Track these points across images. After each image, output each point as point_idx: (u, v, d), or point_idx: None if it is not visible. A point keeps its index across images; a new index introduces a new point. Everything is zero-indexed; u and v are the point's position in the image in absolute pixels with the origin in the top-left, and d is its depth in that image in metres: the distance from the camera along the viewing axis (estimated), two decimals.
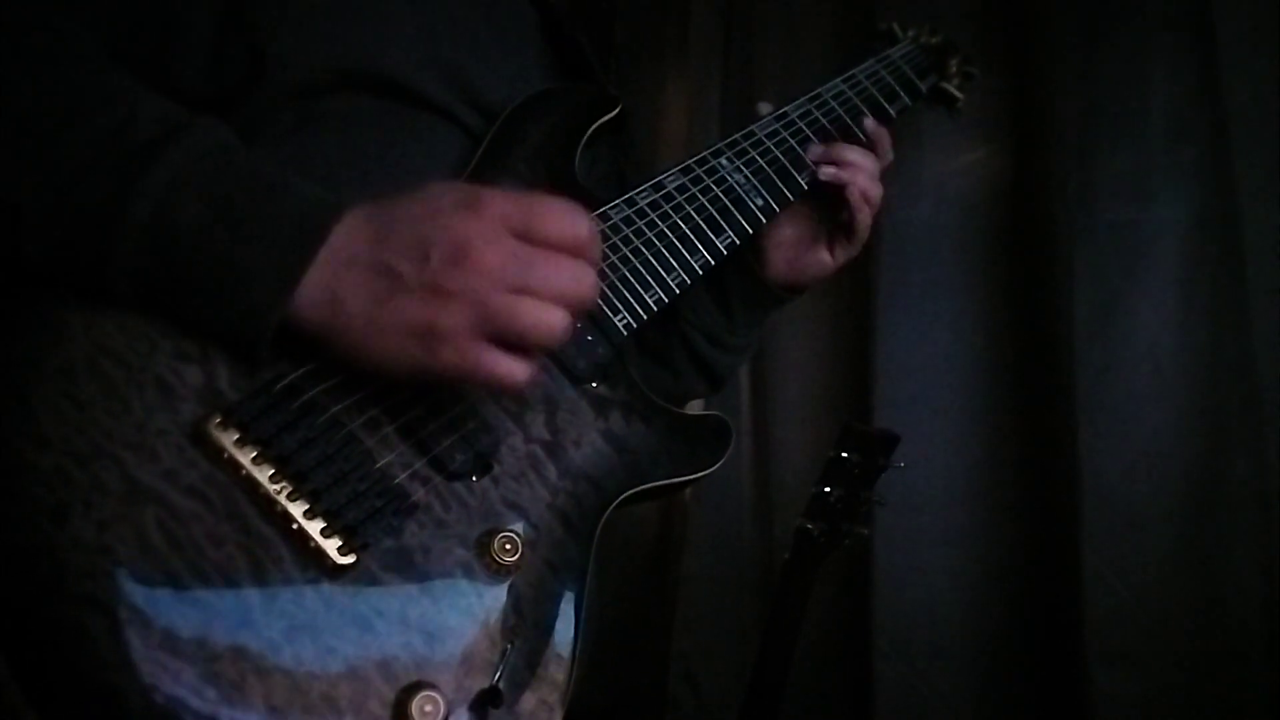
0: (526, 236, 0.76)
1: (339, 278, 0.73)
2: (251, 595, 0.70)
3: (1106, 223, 2.05)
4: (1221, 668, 1.92)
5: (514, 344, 0.75)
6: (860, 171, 1.18)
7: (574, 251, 0.77)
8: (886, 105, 1.26)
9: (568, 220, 0.78)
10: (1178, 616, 1.95)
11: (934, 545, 2.17)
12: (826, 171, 1.17)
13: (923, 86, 1.34)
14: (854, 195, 1.18)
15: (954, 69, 1.40)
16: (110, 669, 0.65)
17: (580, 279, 0.77)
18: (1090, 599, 1.97)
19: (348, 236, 0.74)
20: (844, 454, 1.71)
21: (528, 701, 0.78)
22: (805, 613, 1.70)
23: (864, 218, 1.20)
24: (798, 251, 1.23)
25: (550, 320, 0.75)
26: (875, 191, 1.20)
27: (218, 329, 0.75)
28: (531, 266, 0.75)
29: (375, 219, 0.75)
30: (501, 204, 0.76)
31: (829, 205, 1.20)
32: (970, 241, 2.23)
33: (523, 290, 0.74)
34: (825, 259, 1.24)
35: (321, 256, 0.73)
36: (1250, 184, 1.98)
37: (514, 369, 0.76)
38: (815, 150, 1.17)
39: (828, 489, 1.70)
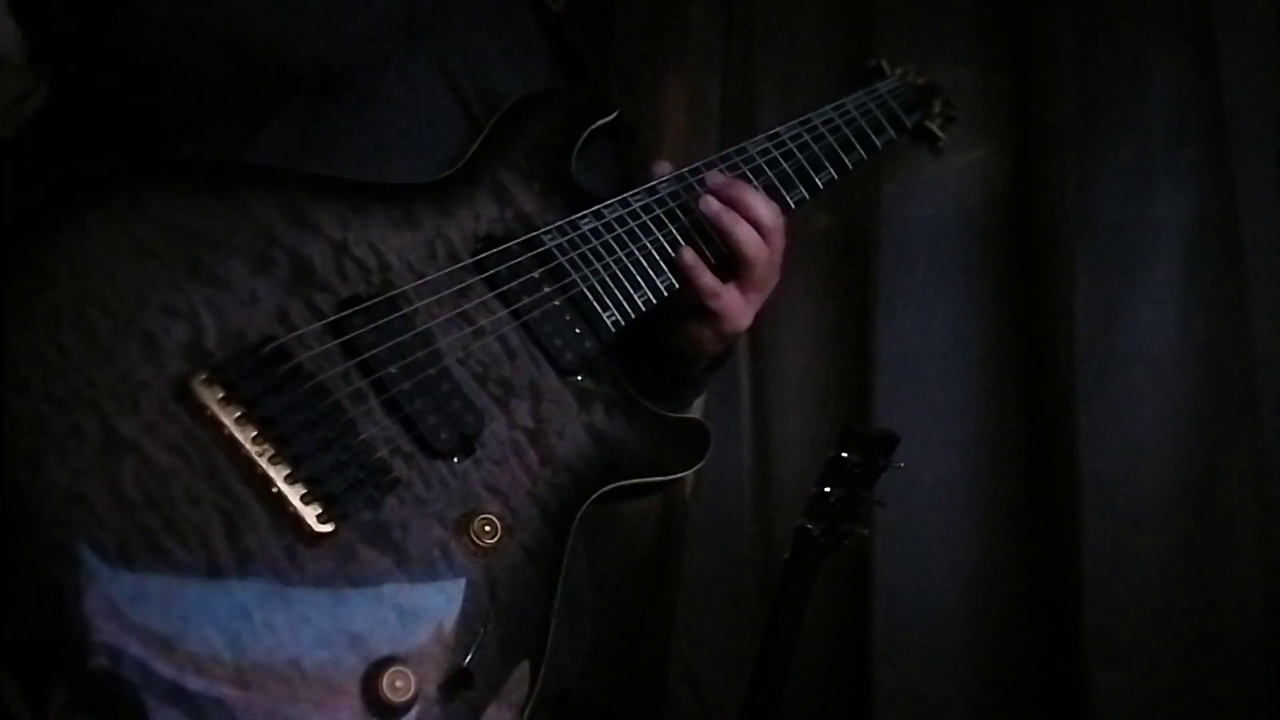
0: None
1: None
2: (225, 557, 0.70)
3: (1106, 223, 2.04)
4: (1221, 668, 1.91)
5: None
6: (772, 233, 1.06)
7: None
8: (874, 137, 1.27)
9: None
10: (1178, 617, 1.94)
11: (934, 545, 2.16)
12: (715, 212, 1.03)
13: (908, 122, 1.36)
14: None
15: (937, 109, 1.43)
16: (71, 622, 0.64)
17: None
18: (1090, 600, 1.95)
19: None
20: (844, 454, 1.72)
21: (498, 687, 0.78)
22: (805, 613, 1.70)
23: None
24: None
25: None
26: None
27: None
28: None
29: None
30: None
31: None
32: (970, 241, 2.22)
33: None
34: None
35: None
36: (1250, 184, 1.97)
37: None
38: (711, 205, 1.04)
39: (828, 489, 1.71)
